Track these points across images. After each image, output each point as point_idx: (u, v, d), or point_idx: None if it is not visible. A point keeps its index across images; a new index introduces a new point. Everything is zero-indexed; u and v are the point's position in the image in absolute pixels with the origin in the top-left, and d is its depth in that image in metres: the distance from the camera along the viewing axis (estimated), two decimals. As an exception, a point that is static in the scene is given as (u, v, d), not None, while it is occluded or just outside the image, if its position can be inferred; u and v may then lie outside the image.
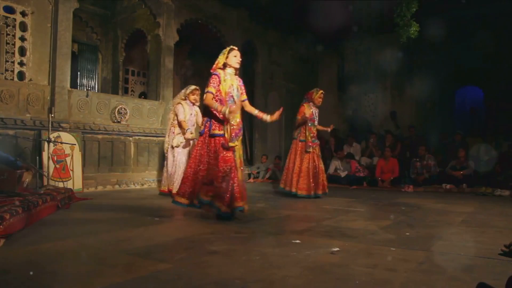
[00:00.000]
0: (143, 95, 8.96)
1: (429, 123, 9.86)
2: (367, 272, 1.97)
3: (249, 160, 9.78)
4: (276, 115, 3.83)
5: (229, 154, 3.52)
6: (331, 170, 8.37)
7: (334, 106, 10.68)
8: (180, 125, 5.31)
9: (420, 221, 3.66)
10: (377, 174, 7.86)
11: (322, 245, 2.54)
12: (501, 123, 8.62)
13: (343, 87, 11.17)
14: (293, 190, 5.52)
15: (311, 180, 5.53)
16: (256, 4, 8.73)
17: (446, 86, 9.76)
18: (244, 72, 9.13)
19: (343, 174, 8.17)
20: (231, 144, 3.51)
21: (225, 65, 3.65)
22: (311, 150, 5.62)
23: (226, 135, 3.53)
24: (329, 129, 6.05)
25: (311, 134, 5.65)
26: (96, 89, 8.55)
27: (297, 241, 2.66)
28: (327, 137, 9.44)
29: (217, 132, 3.51)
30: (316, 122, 5.73)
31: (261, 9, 8.88)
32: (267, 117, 3.85)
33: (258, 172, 8.93)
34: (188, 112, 5.34)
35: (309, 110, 5.65)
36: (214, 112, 3.52)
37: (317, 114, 5.78)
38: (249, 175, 8.95)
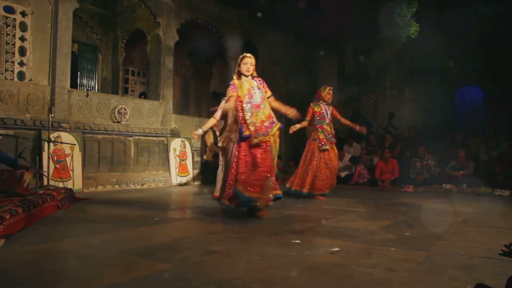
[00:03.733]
0: (143, 95, 8.96)
1: (429, 123, 9.86)
2: (367, 272, 1.97)
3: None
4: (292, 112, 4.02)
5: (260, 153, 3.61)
6: (331, 170, 8.38)
7: (334, 106, 10.66)
8: None
9: (420, 221, 3.66)
10: (376, 176, 7.86)
11: (322, 245, 2.54)
12: (501, 123, 8.62)
13: (343, 87, 11.17)
14: (305, 190, 5.29)
15: (329, 179, 5.40)
16: (256, 4, 8.73)
17: (446, 86, 9.76)
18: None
19: (343, 174, 8.17)
20: (255, 140, 3.58)
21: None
22: (327, 147, 5.41)
23: (247, 133, 3.63)
24: (357, 128, 5.80)
25: (325, 132, 5.44)
26: (96, 89, 8.55)
27: (297, 241, 2.66)
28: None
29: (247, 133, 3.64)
30: (327, 120, 5.52)
31: (261, 9, 8.87)
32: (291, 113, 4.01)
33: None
34: None
35: (318, 108, 5.52)
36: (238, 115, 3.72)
37: (328, 112, 5.58)
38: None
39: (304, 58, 11.15)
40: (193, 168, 7.64)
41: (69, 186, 5.30)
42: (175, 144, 7.45)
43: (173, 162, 7.31)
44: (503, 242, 2.28)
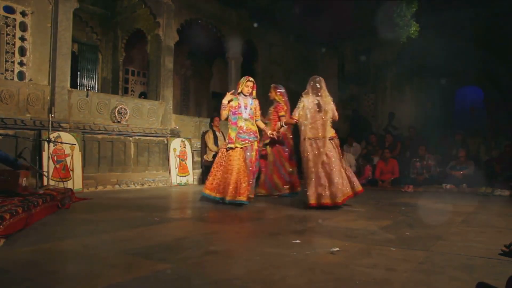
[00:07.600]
0: (143, 95, 8.96)
1: (429, 123, 9.86)
2: (367, 272, 1.97)
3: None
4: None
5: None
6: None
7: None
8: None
9: (420, 221, 3.66)
10: (376, 175, 7.86)
11: (322, 245, 2.54)
12: (501, 123, 8.62)
13: (343, 87, 11.17)
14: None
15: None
16: (256, 4, 8.73)
17: (446, 86, 9.76)
18: (244, 72, 9.14)
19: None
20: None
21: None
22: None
23: None
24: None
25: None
26: (96, 89, 8.55)
27: (297, 241, 2.65)
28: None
29: None
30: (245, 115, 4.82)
31: (261, 9, 8.88)
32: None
33: (258, 172, 8.91)
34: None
35: (235, 103, 4.79)
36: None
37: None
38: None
39: (304, 58, 11.15)
40: (193, 168, 7.64)
41: (69, 186, 5.30)
42: (175, 144, 7.45)
43: (173, 162, 7.31)
44: (503, 242, 2.28)
